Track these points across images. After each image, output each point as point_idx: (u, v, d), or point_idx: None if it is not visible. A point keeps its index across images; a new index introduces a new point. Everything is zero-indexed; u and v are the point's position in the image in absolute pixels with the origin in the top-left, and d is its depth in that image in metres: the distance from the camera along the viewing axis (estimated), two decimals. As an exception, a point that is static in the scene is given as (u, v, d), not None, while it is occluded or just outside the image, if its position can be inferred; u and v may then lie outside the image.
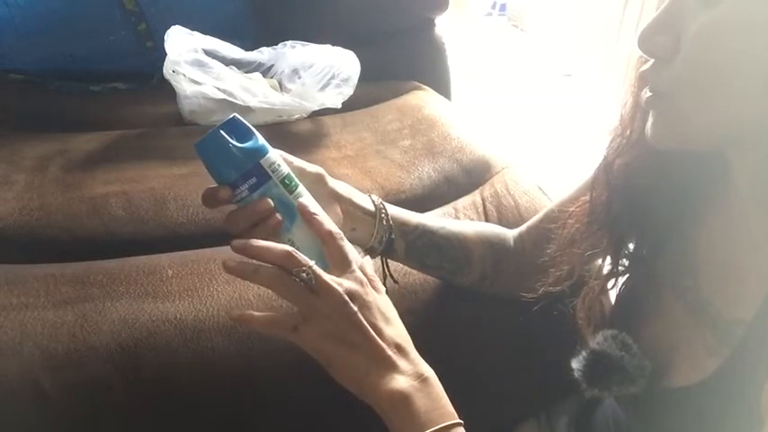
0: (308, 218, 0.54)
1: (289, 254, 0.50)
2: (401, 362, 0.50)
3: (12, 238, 0.85)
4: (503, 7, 4.02)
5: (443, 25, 1.59)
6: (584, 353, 0.54)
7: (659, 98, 0.46)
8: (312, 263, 0.51)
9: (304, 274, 0.50)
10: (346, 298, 0.50)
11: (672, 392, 0.52)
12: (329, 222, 0.55)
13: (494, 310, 0.77)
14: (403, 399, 0.48)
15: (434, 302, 0.78)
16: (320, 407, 0.71)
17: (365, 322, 0.50)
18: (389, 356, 0.50)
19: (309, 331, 0.50)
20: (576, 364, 0.54)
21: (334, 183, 0.62)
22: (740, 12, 0.40)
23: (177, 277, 0.76)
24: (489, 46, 3.59)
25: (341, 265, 0.53)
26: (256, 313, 0.52)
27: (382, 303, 0.53)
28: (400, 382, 0.49)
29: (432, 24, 1.57)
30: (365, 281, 0.53)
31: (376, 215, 0.64)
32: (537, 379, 0.76)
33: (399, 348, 0.51)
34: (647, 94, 0.47)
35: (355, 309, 0.50)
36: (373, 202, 0.65)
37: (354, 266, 0.54)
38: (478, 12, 4.00)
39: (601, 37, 3.03)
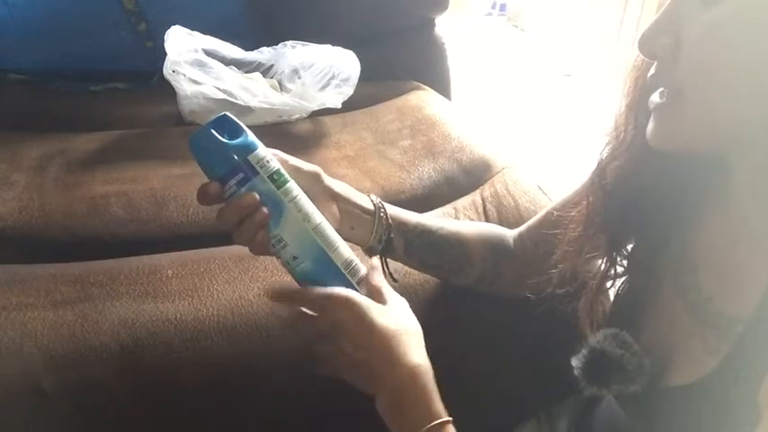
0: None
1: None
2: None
3: (12, 238, 0.85)
4: (503, 7, 4.02)
5: (443, 25, 1.59)
6: (584, 351, 0.54)
7: (667, 98, 0.46)
8: None
9: None
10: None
11: (671, 391, 0.52)
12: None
13: (494, 310, 0.77)
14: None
15: (434, 302, 0.78)
16: (320, 407, 0.71)
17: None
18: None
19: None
20: (575, 361, 0.55)
21: (330, 182, 0.62)
22: (741, 12, 0.40)
23: (177, 277, 0.76)
24: (489, 46, 3.59)
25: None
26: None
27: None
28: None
29: (432, 24, 1.57)
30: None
31: (375, 214, 0.64)
32: (537, 379, 0.76)
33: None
34: (656, 99, 0.47)
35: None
36: (372, 201, 0.65)
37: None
38: (478, 12, 4.00)
39: (601, 37, 3.03)
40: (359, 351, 0.54)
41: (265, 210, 0.53)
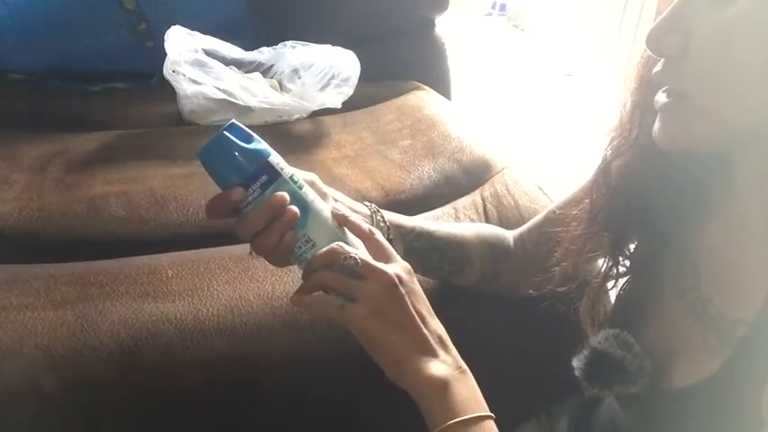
0: (344, 221, 0.55)
1: (333, 249, 0.52)
2: (442, 353, 0.51)
3: (12, 238, 0.85)
4: (503, 7, 4.02)
5: (443, 25, 1.59)
6: (585, 351, 0.54)
7: (671, 98, 0.46)
8: (357, 250, 0.52)
9: (351, 261, 0.51)
10: (396, 280, 0.51)
11: (672, 392, 0.52)
12: (363, 222, 0.55)
13: (494, 311, 0.77)
14: (443, 385, 0.49)
15: (434, 302, 0.77)
16: (320, 407, 0.71)
17: (411, 308, 0.51)
18: (432, 344, 0.51)
19: (356, 310, 0.51)
20: (576, 362, 0.55)
21: (326, 188, 0.62)
22: (756, 14, 0.40)
23: (177, 277, 0.76)
24: (489, 46, 3.59)
25: (386, 257, 0.54)
26: (305, 296, 0.53)
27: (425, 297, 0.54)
28: (441, 369, 0.50)
29: (432, 24, 1.57)
30: (411, 271, 0.54)
31: (372, 218, 0.64)
32: (537, 379, 0.76)
33: (441, 340, 0.52)
34: (661, 98, 0.46)
35: (404, 292, 0.51)
36: (367, 206, 0.65)
37: (399, 258, 0.55)
38: (478, 12, 4.00)
39: (601, 37, 3.03)
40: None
41: (295, 208, 0.52)
